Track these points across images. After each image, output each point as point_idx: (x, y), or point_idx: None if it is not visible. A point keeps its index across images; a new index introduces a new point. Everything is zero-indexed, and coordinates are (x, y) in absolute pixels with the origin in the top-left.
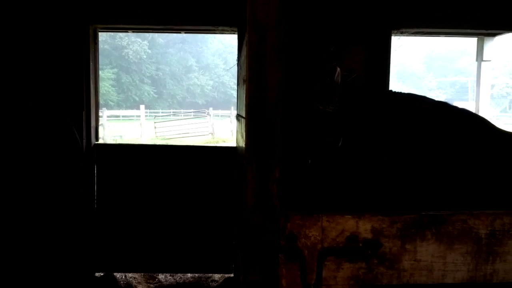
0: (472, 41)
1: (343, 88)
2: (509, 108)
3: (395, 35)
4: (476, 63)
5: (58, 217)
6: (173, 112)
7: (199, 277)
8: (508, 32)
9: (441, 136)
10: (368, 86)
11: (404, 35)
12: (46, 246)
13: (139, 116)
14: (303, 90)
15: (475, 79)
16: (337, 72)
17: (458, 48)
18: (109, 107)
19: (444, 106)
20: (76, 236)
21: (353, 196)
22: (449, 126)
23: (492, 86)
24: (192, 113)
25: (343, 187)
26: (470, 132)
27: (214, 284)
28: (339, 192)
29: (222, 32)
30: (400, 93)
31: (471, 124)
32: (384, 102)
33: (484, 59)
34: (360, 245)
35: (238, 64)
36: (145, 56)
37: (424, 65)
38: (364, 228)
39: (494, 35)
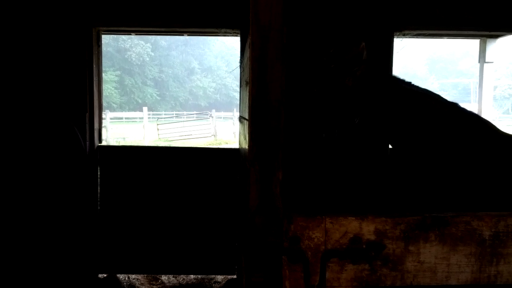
0: (475, 42)
1: (366, 63)
2: None
3: (397, 37)
4: (478, 64)
5: (61, 218)
6: (175, 114)
7: (202, 279)
8: (511, 34)
9: (449, 135)
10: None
11: (406, 37)
12: (49, 247)
13: (142, 118)
14: (321, 64)
15: (478, 80)
16: (361, 45)
17: (460, 50)
18: (112, 109)
19: (454, 107)
20: (79, 237)
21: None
22: (457, 126)
23: (495, 87)
24: (195, 115)
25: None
26: (476, 134)
27: (217, 285)
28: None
29: (224, 34)
30: (418, 87)
31: (477, 126)
32: (403, 92)
33: (486, 60)
34: (364, 246)
35: (240, 66)
36: (148, 59)
37: (426, 66)
38: (368, 229)
39: (496, 36)
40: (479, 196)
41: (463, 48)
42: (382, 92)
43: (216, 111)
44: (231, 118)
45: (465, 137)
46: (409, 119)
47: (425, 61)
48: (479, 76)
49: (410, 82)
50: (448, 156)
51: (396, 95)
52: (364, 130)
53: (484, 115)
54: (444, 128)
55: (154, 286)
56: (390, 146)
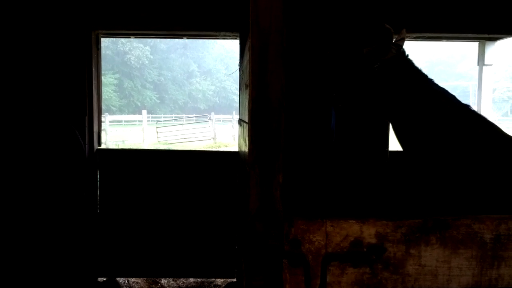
0: (473, 45)
1: (398, 47)
2: (511, 112)
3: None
4: (477, 67)
5: (61, 220)
6: (175, 117)
7: (202, 282)
8: (510, 36)
9: (460, 137)
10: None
11: (405, 40)
12: (48, 250)
13: (141, 121)
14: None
15: (477, 83)
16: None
17: (459, 52)
18: (111, 112)
19: (465, 109)
20: (78, 241)
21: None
22: (469, 129)
23: (494, 90)
24: (194, 118)
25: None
26: (486, 137)
27: None
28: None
29: (224, 37)
30: (437, 85)
31: (487, 129)
32: (422, 87)
33: (485, 63)
34: (365, 250)
35: (240, 69)
36: (147, 62)
37: (425, 69)
38: (368, 233)
39: (495, 39)
40: (487, 199)
41: (462, 51)
42: (402, 81)
43: (215, 114)
44: (230, 121)
45: (476, 140)
46: (421, 113)
47: (424, 64)
48: (478, 78)
49: (431, 79)
50: (458, 158)
51: (415, 88)
52: (371, 110)
53: None
54: (455, 130)
55: None
56: (394, 142)
